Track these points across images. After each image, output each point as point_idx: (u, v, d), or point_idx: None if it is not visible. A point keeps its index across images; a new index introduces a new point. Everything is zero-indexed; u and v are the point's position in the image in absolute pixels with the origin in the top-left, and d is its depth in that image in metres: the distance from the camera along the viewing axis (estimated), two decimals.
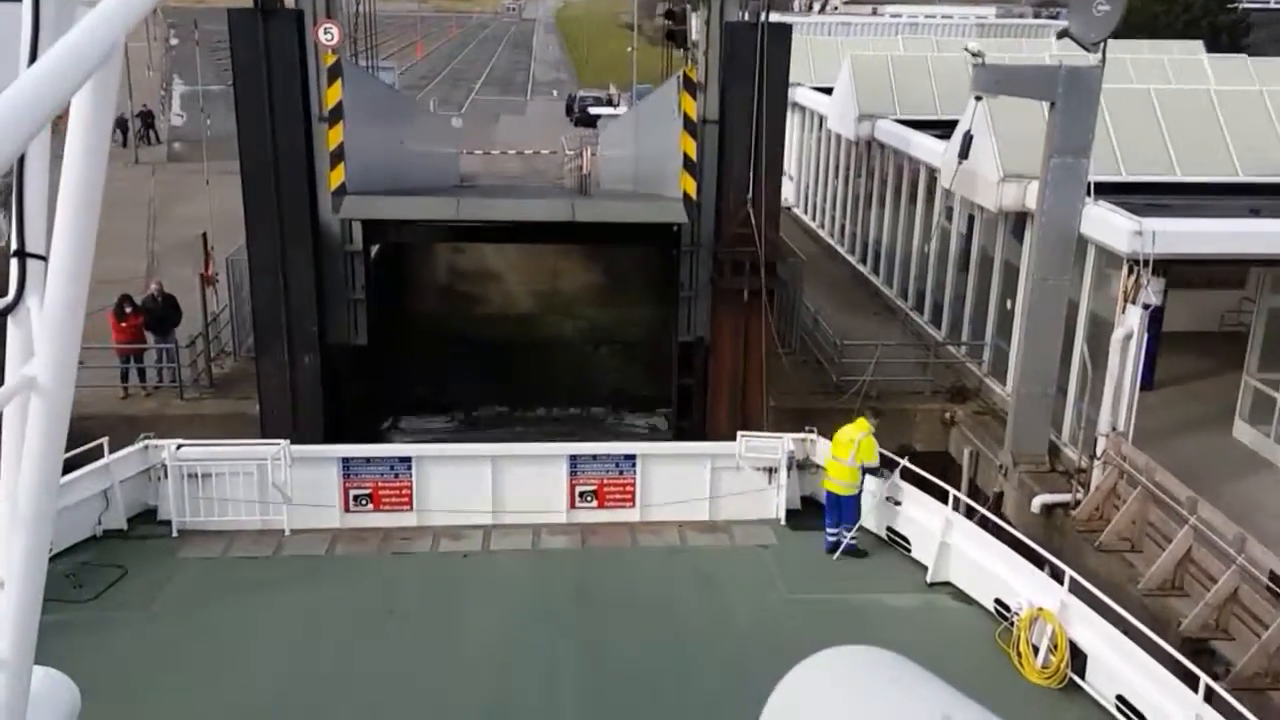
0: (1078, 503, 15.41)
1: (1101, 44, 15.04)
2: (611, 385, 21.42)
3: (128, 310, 19.38)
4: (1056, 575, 11.15)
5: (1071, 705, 10.37)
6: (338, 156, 16.55)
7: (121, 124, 40.43)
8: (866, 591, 12.41)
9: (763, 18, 17.12)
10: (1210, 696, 8.84)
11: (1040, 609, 10.80)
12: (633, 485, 14.05)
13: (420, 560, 13.15)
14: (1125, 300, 15.14)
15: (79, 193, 2.87)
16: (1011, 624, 11.07)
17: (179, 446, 13.51)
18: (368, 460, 13.88)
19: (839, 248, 29.65)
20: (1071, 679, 10.47)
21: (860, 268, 27.64)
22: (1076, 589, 10.89)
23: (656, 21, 35.10)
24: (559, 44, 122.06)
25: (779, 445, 13.99)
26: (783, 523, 13.92)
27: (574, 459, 14.10)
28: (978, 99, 17.71)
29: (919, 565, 12.79)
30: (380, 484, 13.81)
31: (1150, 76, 25.22)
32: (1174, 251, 15.00)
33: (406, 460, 13.89)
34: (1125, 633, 10.21)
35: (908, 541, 13.14)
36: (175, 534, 13.29)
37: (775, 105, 17.38)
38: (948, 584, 12.43)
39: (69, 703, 4.04)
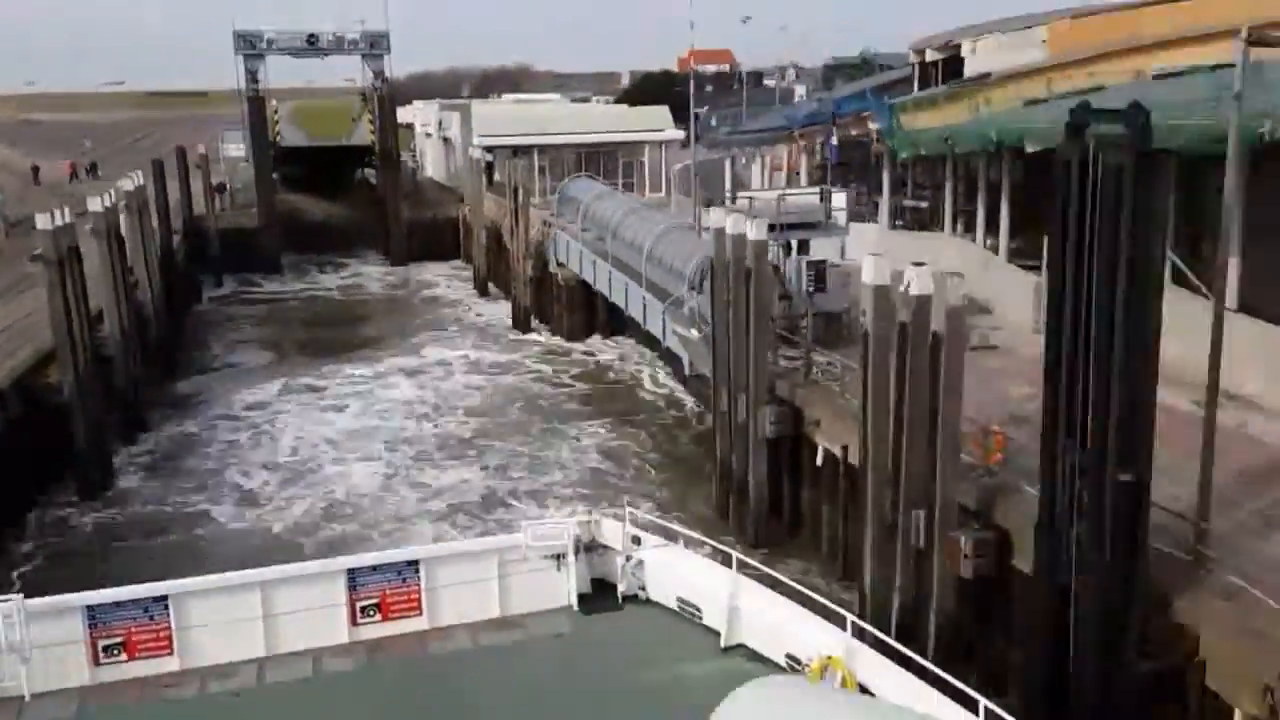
0: None
1: None
2: None
3: None
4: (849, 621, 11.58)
5: None
6: None
7: None
8: (664, 668, 12.45)
9: None
10: None
11: (829, 657, 11.15)
12: (418, 592, 13.43)
13: (185, 707, 12.03)
14: None
15: None
16: (804, 676, 11.34)
17: None
18: (117, 605, 12.58)
19: None
20: None
21: None
22: (861, 633, 11.43)
23: None
24: None
25: (564, 530, 13.88)
26: (575, 608, 13.79)
27: (352, 573, 13.28)
28: None
29: (713, 631, 12.94)
30: (134, 629, 12.52)
31: None
32: None
33: (162, 600, 12.63)
34: (908, 667, 10.63)
35: (699, 609, 13.20)
36: None
37: None
38: (741, 646, 12.64)
39: None
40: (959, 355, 15.87)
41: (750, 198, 28.72)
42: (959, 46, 37.63)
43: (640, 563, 13.88)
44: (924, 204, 35.50)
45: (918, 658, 10.92)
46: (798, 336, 24.35)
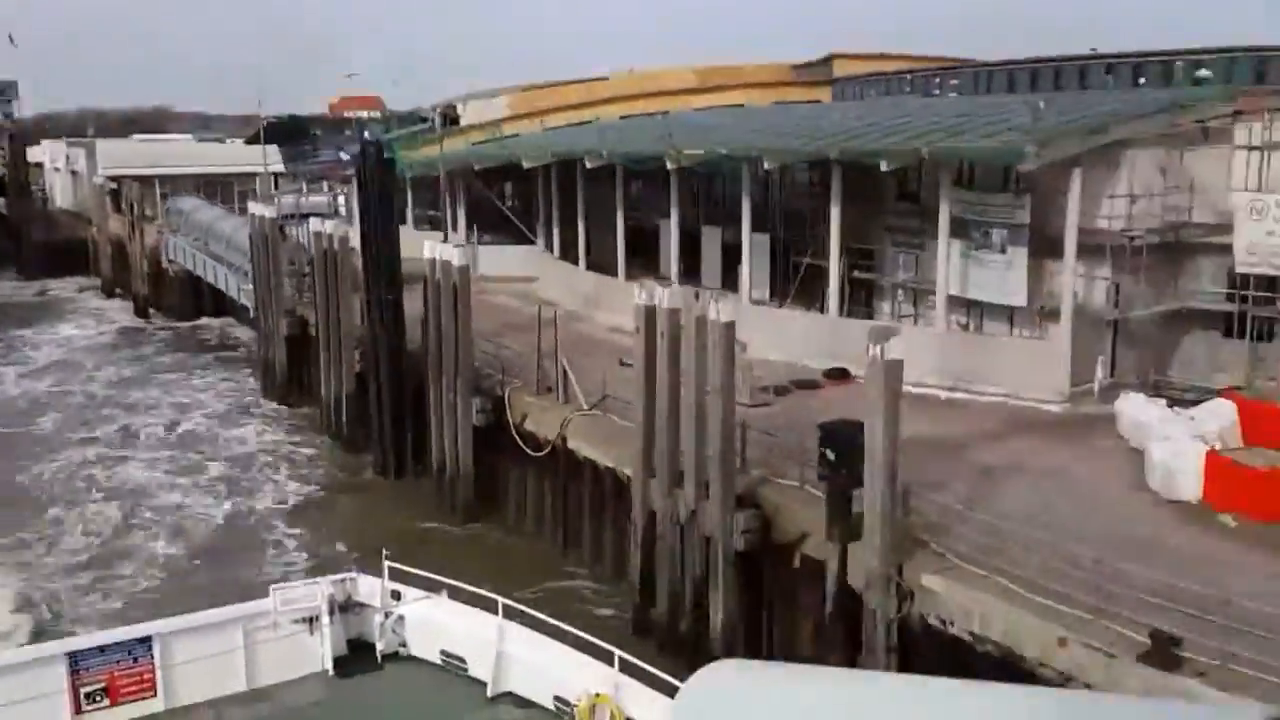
0: None
1: None
2: None
3: None
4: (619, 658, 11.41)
5: None
6: None
7: None
8: None
9: None
10: None
11: (597, 694, 11.16)
12: (151, 672, 12.39)
13: None
14: None
15: None
16: (573, 717, 11.40)
17: None
18: None
19: None
20: None
21: None
22: (628, 668, 11.22)
23: None
24: None
25: (317, 590, 13.24)
26: (331, 673, 13.07)
27: (74, 656, 12.25)
28: None
29: (479, 682, 12.52)
30: None
31: None
32: None
33: None
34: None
35: (464, 661, 12.81)
36: None
37: None
38: (509, 694, 12.34)
39: None
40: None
41: (291, 196, 44.10)
42: (455, 107, 55.41)
43: (401, 618, 13.35)
44: (436, 212, 52.44)
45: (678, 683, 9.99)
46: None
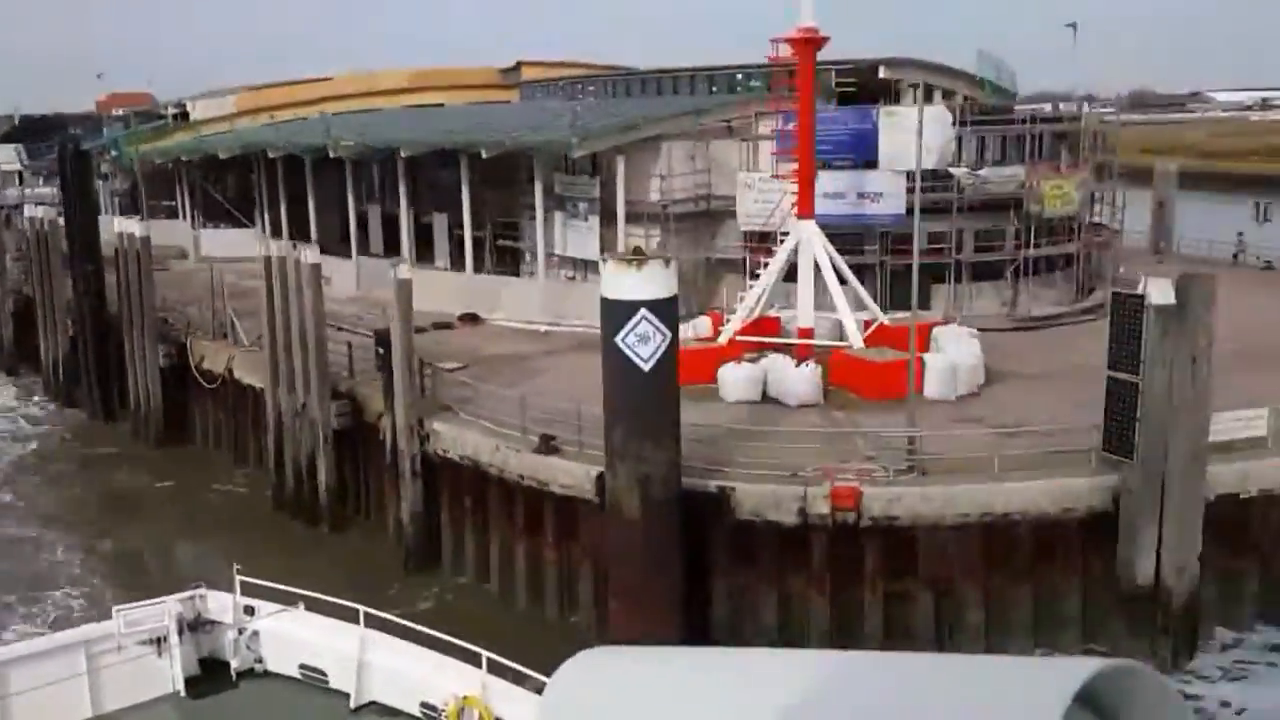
0: None
1: None
2: None
3: None
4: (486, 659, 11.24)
5: None
6: None
7: None
8: None
9: None
10: None
11: (465, 697, 11.00)
12: None
13: None
14: None
15: None
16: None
17: None
18: None
19: None
20: None
21: None
22: (496, 668, 11.08)
23: None
24: None
25: (164, 610, 12.88)
26: (182, 694, 12.76)
27: None
28: None
29: (341, 694, 12.31)
30: None
31: None
32: None
33: None
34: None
35: (324, 673, 12.55)
36: None
37: None
38: (373, 703, 12.13)
39: None
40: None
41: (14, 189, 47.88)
42: (185, 104, 59.86)
43: (255, 634, 13.12)
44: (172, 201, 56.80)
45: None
46: None
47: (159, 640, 12.74)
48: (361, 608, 12.55)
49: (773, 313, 29.01)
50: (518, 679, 11.02)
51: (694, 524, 18.77)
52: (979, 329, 28.31)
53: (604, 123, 33.17)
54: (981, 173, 32.85)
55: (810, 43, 25.61)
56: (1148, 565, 18.40)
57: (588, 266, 35.16)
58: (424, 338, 32.90)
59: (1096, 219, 38.48)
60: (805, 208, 26.84)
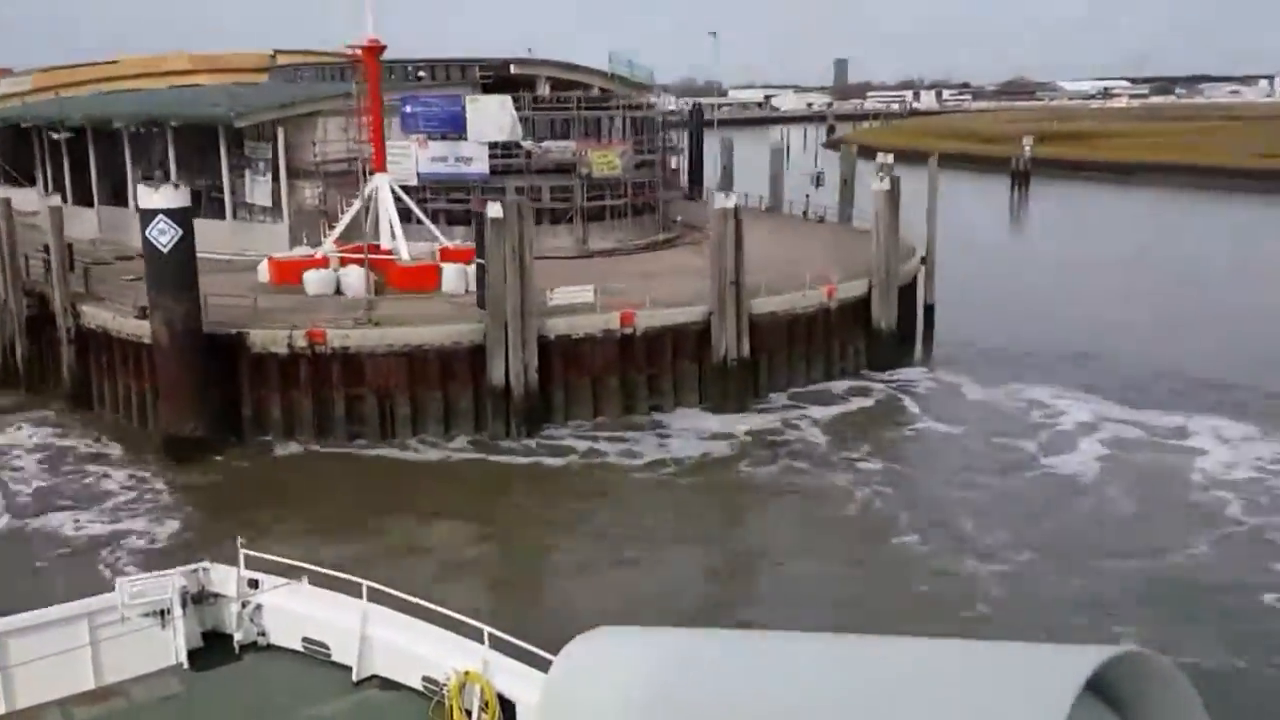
0: None
1: None
2: None
3: None
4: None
5: None
6: None
7: None
8: (290, 714, 11.96)
9: None
10: None
11: (467, 672, 11.25)
12: None
13: None
14: None
15: None
16: (443, 697, 11.32)
17: None
18: None
19: None
20: None
21: None
22: (498, 643, 11.35)
23: None
24: None
25: (168, 583, 13.06)
26: (185, 666, 12.97)
27: None
28: None
29: (343, 667, 12.60)
30: None
31: None
32: None
33: None
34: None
35: (326, 646, 12.82)
36: None
37: None
38: (374, 677, 12.43)
39: None
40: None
41: None
42: None
43: (259, 607, 13.30)
44: None
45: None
46: None
47: (162, 612, 12.93)
48: (365, 582, 12.69)
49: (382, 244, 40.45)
50: (521, 655, 11.20)
51: (225, 355, 30.06)
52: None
53: (265, 101, 44.00)
54: (544, 144, 44.77)
55: (372, 50, 37.06)
56: (499, 375, 30.39)
57: (267, 212, 46.04)
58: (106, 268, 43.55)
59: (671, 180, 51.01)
60: (379, 163, 38.30)
